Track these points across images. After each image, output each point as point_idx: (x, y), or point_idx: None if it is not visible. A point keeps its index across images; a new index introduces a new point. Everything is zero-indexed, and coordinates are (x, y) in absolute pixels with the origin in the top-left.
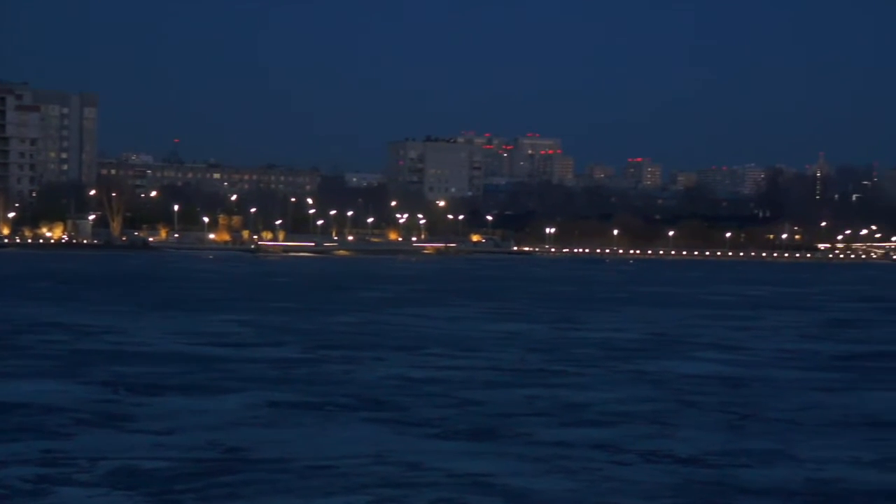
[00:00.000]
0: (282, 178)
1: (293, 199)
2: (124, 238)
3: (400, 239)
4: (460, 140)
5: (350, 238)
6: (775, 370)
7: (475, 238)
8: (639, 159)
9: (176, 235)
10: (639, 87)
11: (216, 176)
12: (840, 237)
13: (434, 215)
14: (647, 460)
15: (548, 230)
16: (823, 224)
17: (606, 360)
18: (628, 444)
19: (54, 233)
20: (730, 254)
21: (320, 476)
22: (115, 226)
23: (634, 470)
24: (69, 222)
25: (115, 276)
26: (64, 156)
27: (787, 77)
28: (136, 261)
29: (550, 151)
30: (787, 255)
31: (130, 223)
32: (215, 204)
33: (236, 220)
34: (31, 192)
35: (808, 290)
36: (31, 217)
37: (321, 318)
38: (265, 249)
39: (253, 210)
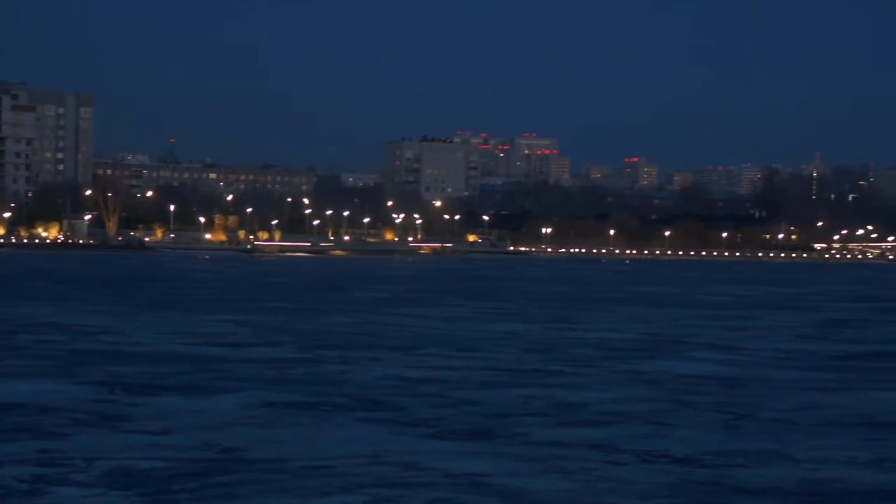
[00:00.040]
0: (278, 178)
1: (289, 199)
2: (120, 238)
3: (396, 239)
4: (456, 140)
5: (346, 238)
6: (771, 370)
7: (471, 238)
8: (635, 159)
9: (172, 235)
10: (638, 87)
11: (212, 176)
12: (836, 237)
13: (430, 215)
14: (644, 460)
15: (544, 230)
16: (819, 224)
17: (603, 360)
18: (624, 444)
19: (50, 233)
20: (726, 254)
21: (317, 476)
22: (111, 226)
23: (631, 470)
24: (65, 222)
25: (111, 276)
26: (60, 156)
27: (787, 77)
28: (132, 261)
29: (547, 151)
30: (783, 255)
31: (126, 223)
32: (211, 204)
33: (232, 220)
34: (26, 192)
35: (804, 291)
36: (27, 217)
37: (317, 318)
38: (261, 249)
39: (249, 210)
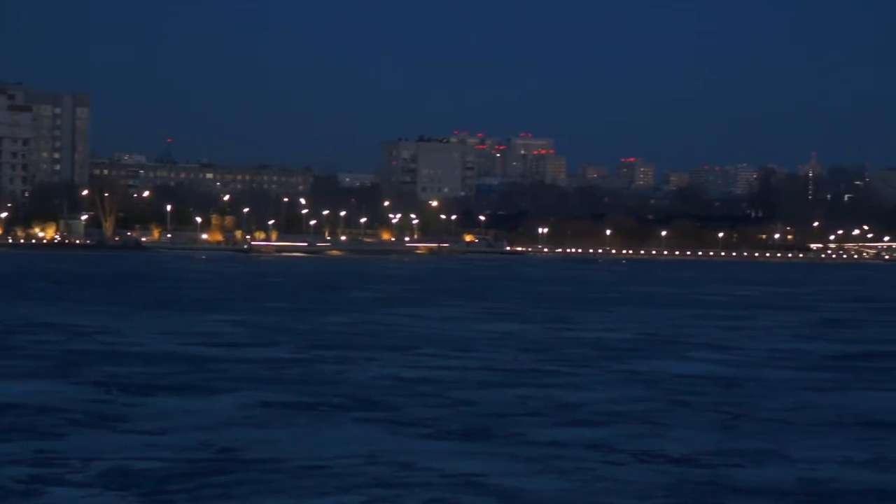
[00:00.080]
0: (274, 178)
1: (286, 200)
2: (117, 238)
3: (393, 239)
4: (453, 140)
5: (343, 238)
6: (768, 370)
7: (468, 238)
8: (631, 159)
9: (168, 236)
10: (638, 87)
11: (209, 176)
12: (832, 237)
13: (427, 215)
14: (640, 460)
15: (540, 230)
16: (815, 224)
17: (599, 360)
18: (621, 444)
19: (47, 233)
20: (722, 254)
21: (313, 476)
22: (108, 226)
23: (627, 470)
24: (61, 222)
25: (107, 276)
26: (56, 156)
27: (786, 77)
28: (128, 261)
29: (543, 151)
30: (779, 255)
31: (123, 223)
32: (208, 204)
33: (229, 220)
34: (23, 192)
35: (800, 290)
36: (24, 217)
37: (314, 318)
38: (258, 249)
39: (246, 210)
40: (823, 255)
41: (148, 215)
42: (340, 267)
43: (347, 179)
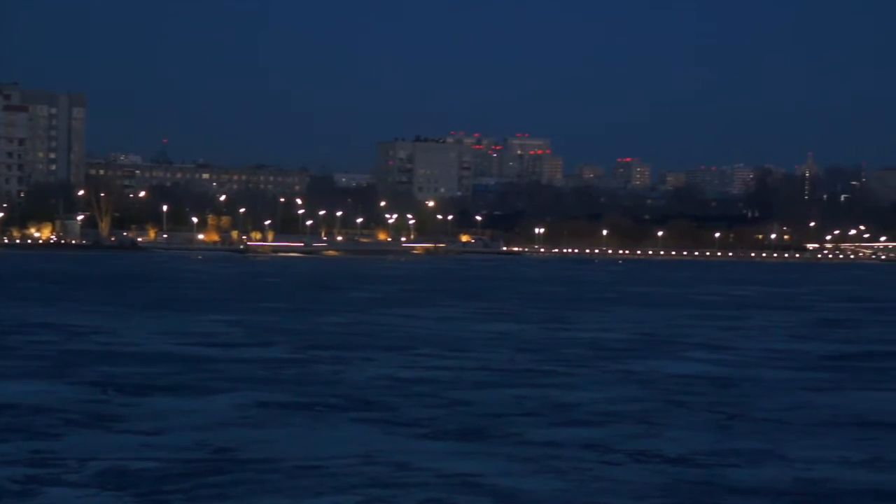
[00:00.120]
0: (271, 178)
1: (282, 200)
2: (113, 238)
3: (389, 239)
4: (449, 140)
5: (339, 238)
6: (764, 370)
7: (464, 238)
8: (628, 159)
9: (165, 236)
10: (638, 87)
11: (205, 176)
12: (829, 237)
13: (423, 215)
14: (636, 460)
15: (537, 230)
16: (812, 224)
17: (595, 360)
18: (617, 444)
19: (43, 233)
20: (718, 254)
21: (309, 476)
22: (104, 226)
23: (623, 470)
24: (58, 222)
25: (103, 276)
26: (52, 156)
27: (786, 77)
28: (124, 261)
29: (540, 152)
30: (775, 255)
31: (119, 223)
32: (204, 204)
33: (225, 220)
34: (19, 192)
35: (796, 290)
36: (20, 217)
37: (310, 318)
38: (254, 250)
39: (242, 210)
40: (820, 256)
41: (144, 215)
42: (337, 267)
43: (344, 179)
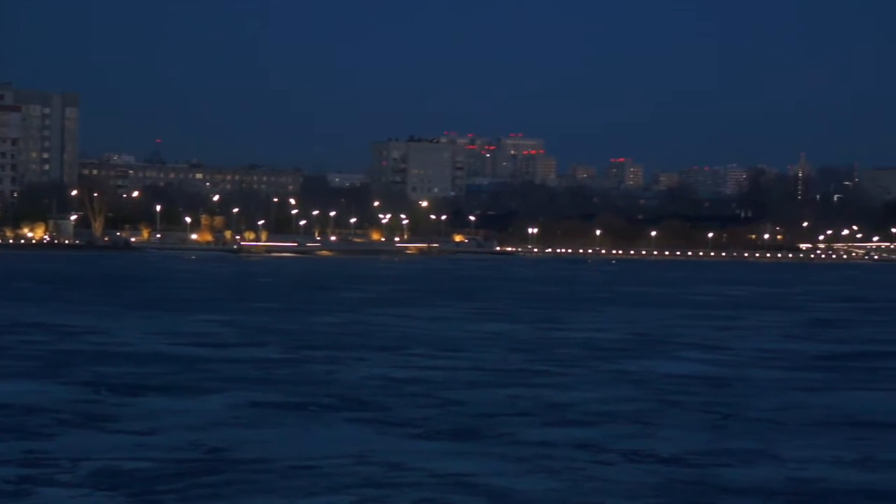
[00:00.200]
0: (264, 178)
1: (276, 200)
2: (106, 238)
3: (383, 239)
4: (443, 140)
5: (333, 238)
6: (757, 370)
7: (458, 238)
8: (621, 159)
9: (158, 236)
10: (637, 87)
11: (198, 176)
12: (821, 237)
13: (417, 215)
14: (630, 460)
15: (530, 230)
16: (805, 224)
17: (589, 360)
18: (611, 444)
19: (36, 233)
20: (712, 254)
21: (303, 476)
22: (97, 226)
23: (617, 469)
24: (51, 223)
25: (96, 276)
26: (45, 156)
27: (785, 78)
28: (118, 261)
29: (533, 152)
30: (768, 255)
31: (112, 223)
32: (197, 204)
33: (218, 220)
34: (12, 192)
35: (789, 290)
36: (13, 217)
37: (303, 318)
38: (247, 250)
39: (235, 210)
40: (813, 256)
41: (137, 215)
42: (330, 267)
43: (337, 179)
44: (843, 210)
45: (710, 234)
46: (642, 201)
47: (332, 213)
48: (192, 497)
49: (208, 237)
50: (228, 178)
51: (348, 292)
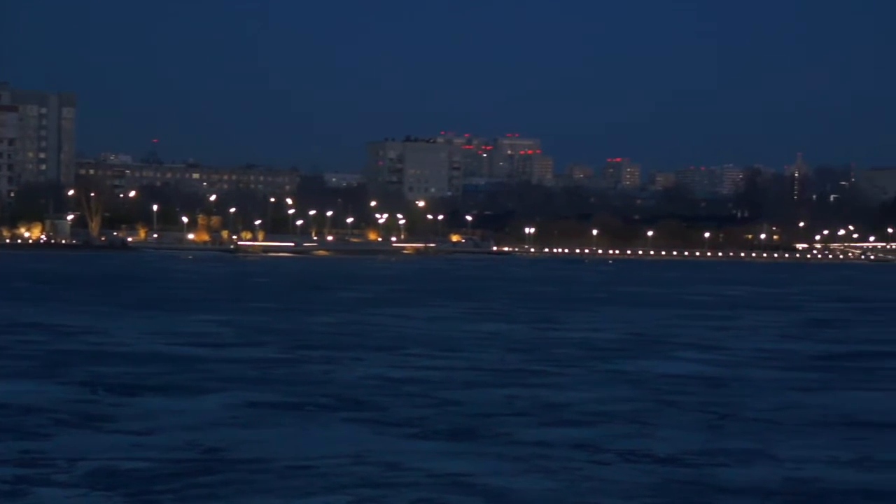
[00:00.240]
0: (261, 178)
1: (273, 200)
2: (103, 238)
3: (379, 239)
4: (440, 140)
5: (329, 238)
6: (754, 370)
7: (455, 238)
8: (618, 159)
9: (155, 236)
10: (637, 87)
11: (195, 176)
12: (818, 237)
13: (413, 215)
14: (627, 460)
15: (527, 230)
16: (801, 224)
17: (586, 360)
18: (607, 444)
19: (32, 233)
20: (708, 254)
21: (300, 476)
22: (94, 226)
23: (613, 469)
24: (47, 222)
25: (93, 276)
26: (42, 156)
27: (785, 78)
28: (114, 261)
29: (530, 152)
30: (765, 255)
31: (109, 223)
32: (194, 204)
33: (215, 220)
34: (9, 192)
35: (786, 290)
36: (9, 217)
37: (300, 318)
38: (244, 250)
39: (232, 210)
40: (809, 256)
41: (134, 215)
42: (327, 267)
43: (334, 179)
44: (839, 210)
45: (707, 234)
46: (639, 201)
47: (329, 213)
48: (189, 497)
49: (205, 237)
50: (225, 177)
51: (345, 292)
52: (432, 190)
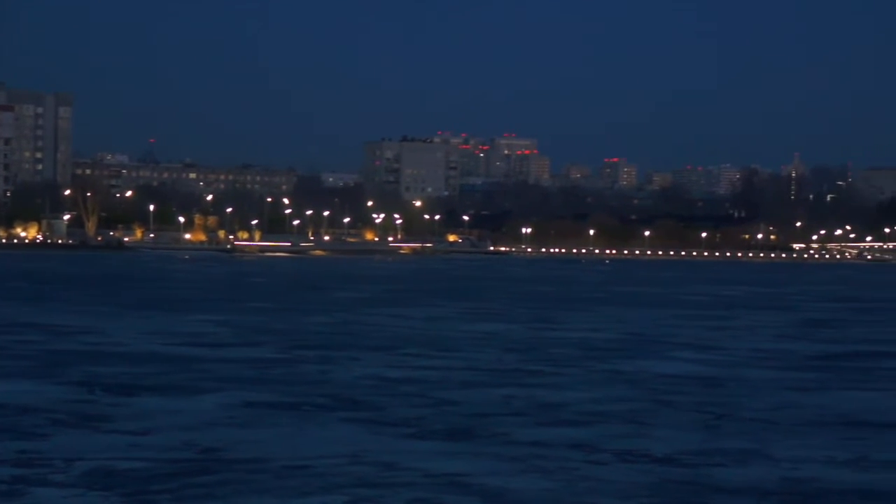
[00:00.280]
0: (258, 178)
1: (269, 199)
2: (99, 238)
3: (376, 239)
4: (436, 140)
5: (326, 238)
6: (751, 370)
7: (452, 238)
8: (615, 159)
9: (151, 235)
10: (637, 87)
11: (192, 176)
12: (815, 237)
13: (410, 215)
14: (623, 460)
15: (524, 230)
16: (798, 224)
17: (583, 360)
18: (604, 444)
19: (29, 233)
20: (705, 254)
21: (297, 476)
22: (91, 226)
23: (610, 469)
24: (44, 222)
25: (90, 276)
26: (39, 155)
27: (785, 78)
28: (111, 261)
29: (527, 152)
30: (762, 255)
31: (105, 223)
32: (191, 204)
33: (212, 220)
34: (5, 191)
35: (783, 290)
36: (6, 217)
37: (297, 318)
38: (241, 249)
39: (229, 210)
40: (806, 256)
41: (131, 215)
42: (324, 267)
43: (331, 179)
44: (836, 210)
45: (704, 234)
46: (636, 201)
47: (326, 213)
48: (186, 497)
49: (202, 237)
50: (222, 177)
51: (342, 292)
52: (429, 190)
